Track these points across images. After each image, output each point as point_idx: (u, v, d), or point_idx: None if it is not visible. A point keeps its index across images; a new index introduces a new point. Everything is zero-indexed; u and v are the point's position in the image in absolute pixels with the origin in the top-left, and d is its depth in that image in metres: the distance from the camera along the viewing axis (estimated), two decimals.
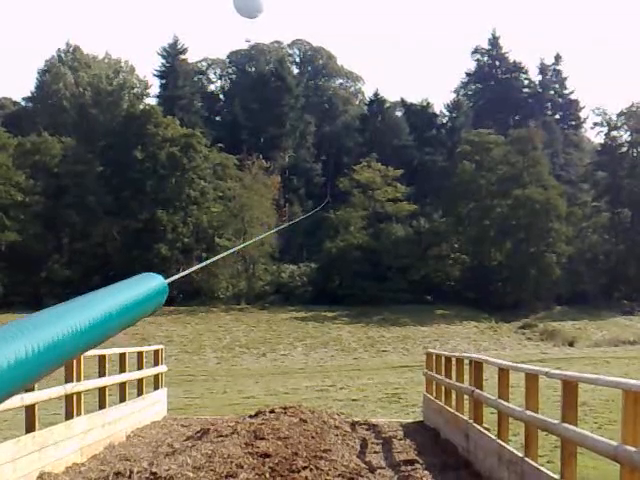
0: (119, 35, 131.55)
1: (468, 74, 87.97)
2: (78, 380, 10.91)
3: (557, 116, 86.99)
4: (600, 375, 8.17)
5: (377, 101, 77.31)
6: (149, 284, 2.26)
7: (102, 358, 12.56)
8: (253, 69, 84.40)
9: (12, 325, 1.66)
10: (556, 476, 6.88)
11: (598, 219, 69.96)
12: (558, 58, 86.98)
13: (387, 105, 78.33)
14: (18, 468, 8.82)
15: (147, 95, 74.84)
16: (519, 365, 10.24)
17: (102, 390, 12.42)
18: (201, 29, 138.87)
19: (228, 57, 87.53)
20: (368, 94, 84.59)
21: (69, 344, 1.76)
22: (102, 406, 12.47)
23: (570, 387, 6.85)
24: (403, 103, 79.94)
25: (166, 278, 2.38)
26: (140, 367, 15.10)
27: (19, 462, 8.83)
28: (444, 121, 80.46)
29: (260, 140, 73.96)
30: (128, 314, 2.07)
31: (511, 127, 73.41)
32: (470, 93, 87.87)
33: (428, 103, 78.38)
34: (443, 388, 13.73)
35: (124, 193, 59.88)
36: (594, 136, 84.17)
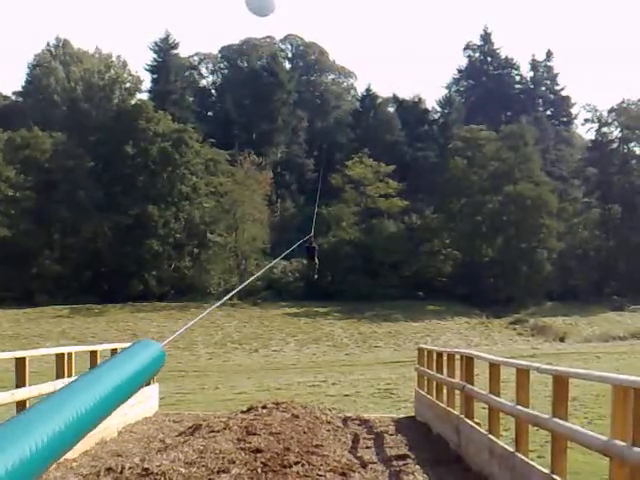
0: (110, 29, 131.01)
1: (460, 70, 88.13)
2: (69, 376, 10.88)
3: (548, 112, 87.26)
4: (590, 370, 8.21)
5: (369, 97, 77.29)
6: (146, 354, 2.20)
7: (93, 354, 12.56)
8: (245, 64, 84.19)
9: (13, 422, 1.61)
10: (547, 471, 6.91)
11: (589, 215, 70.23)
12: (549, 54, 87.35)
13: (379, 101, 78.34)
14: None
15: (138, 90, 74.52)
16: (510, 360, 10.28)
17: None
18: (193, 24, 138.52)
19: (220, 52, 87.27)
20: (360, 90, 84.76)
21: (71, 433, 1.71)
22: None
23: (561, 382, 6.87)
24: (395, 99, 79.96)
25: (161, 342, 2.33)
26: None
27: None
28: (436, 117, 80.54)
29: (252, 135, 73.85)
30: (127, 389, 2.02)
31: (503, 123, 73.52)
32: (462, 89, 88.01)
33: (420, 99, 78.50)
34: (434, 383, 13.77)
35: (115, 188, 59.68)
36: (585, 132, 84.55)
